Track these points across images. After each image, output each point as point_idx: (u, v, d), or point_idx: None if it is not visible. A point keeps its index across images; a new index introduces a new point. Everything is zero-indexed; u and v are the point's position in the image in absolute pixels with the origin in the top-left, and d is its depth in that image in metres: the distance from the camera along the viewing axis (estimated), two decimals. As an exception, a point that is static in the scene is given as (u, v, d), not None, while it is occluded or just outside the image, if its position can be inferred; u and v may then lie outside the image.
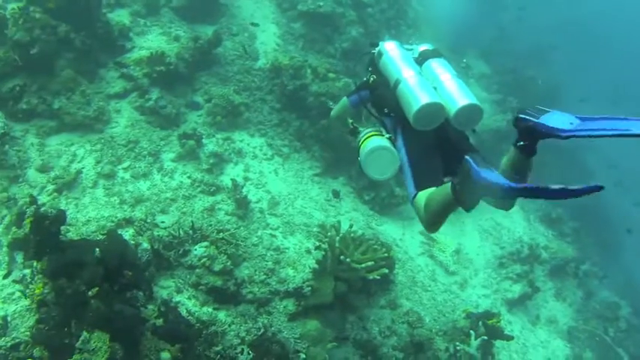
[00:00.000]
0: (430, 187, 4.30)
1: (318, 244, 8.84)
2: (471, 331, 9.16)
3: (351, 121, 6.14)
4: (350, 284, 8.66)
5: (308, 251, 9.15)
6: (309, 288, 8.22)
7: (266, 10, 14.14)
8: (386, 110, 5.20)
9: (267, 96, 11.78)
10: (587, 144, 22.84)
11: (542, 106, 3.58)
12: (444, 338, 9.42)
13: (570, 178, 19.51)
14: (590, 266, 15.64)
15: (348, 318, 8.90)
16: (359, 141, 5.32)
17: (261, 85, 11.89)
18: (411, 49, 5.41)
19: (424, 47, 5.36)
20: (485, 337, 9.10)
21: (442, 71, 4.91)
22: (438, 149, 4.69)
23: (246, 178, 10.23)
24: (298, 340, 7.96)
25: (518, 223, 14.68)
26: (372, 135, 5.19)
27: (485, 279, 12.14)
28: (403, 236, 11.41)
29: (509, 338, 9.73)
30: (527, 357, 11.37)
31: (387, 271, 8.66)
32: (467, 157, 3.51)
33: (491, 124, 16.21)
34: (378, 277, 8.49)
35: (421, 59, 5.16)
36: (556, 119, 3.41)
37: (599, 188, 2.85)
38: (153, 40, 11.56)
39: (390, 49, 5.24)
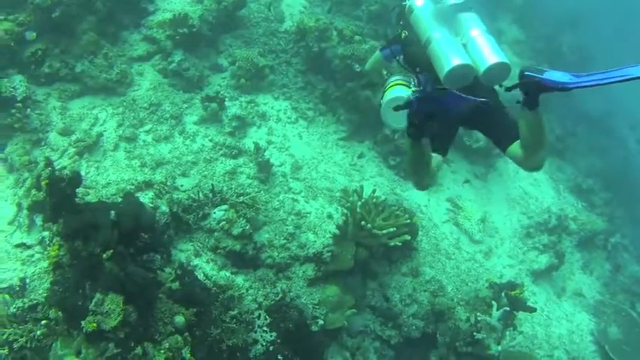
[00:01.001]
0: (435, 149, 4.88)
1: (340, 209, 8.76)
2: (493, 302, 9.04)
3: (385, 72, 6.40)
4: (371, 250, 8.59)
5: (330, 216, 9.07)
6: (329, 253, 8.14)
7: (293, -28, 13.89)
8: (418, 69, 5.28)
9: (293, 59, 11.58)
10: (614, 111, 22.42)
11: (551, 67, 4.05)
12: (466, 308, 9.30)
13: (600, 148, 19.24)
14: (621, 239, 15.36)
15: (368, 285, 8.88)
16: (385, 87, 5.41)
17: (286, 48, 11.69)
18: (441, 2, 5.24)
19: (461, 1, 5.22)
20: (507, 309, 8.96)
21: (472, 26, 4.89)
22: (462, 107, 4.90)
23: (269, 142, 10.10)
24: (317, 306, 7.93)
25: (546, 193, 14.38)
26: (397, 84, 5.29)
27: (511, 249, 11.90)
28: (428, 203, 11.23)
29: (532, 310, 9.54)
30: (551, 329, 11.21)
31: (408, 237, 8.50)
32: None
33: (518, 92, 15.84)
34: (400, 244, 8.39)
35: (451, 13, 5.08)
36: (557, 75, 3.87)
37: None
38: (176, 3, 11.36)
39: (420, 4, 5.15)
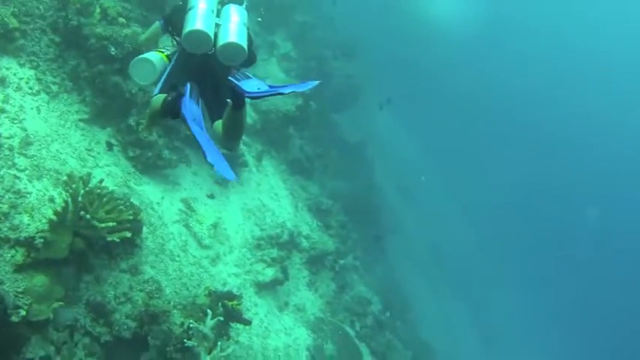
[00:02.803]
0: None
1: (64, 193, 8.29)
2: (209, 310, 8.97)
3: (161, 47, 6.58)
4: (91, 242, 8.21)
5: (51, 200, 8.48)
6: (42, 240, 7.61)
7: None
8: (170, 29, 6.23)
9: (49, 28, 10.81)
10: (368, 142, 23.70)
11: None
12: (182, 313, 9.16)
13: (349, 173, 20.16)
14: (352, 260, 16.06)
15: (83, 277, 8.43)
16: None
17: (45, 15, 10.83)
18: None
19: None
20: (222, 319, 8.93)
21: (233, 14, 5.66)
22: (197, 72, 5.65)
23: (2, 110, 9.25)
24: (21, 295, 7.36)
25: (284, 208, 14.67)
26: (157, 51, 6.04)
27: (239, 258, 11.98)
28: (162, 200, 10.98)
29: (247, 322, 9.63)
30: (268, 341, 11.38)
31: (129, 234, 8.22)
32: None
33: (282, 106, 16.20)
34: (117, 240, 8.07)
35: (226, 2, 5.89)
36: (251, 84, 4.78)
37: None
38: None
39: None
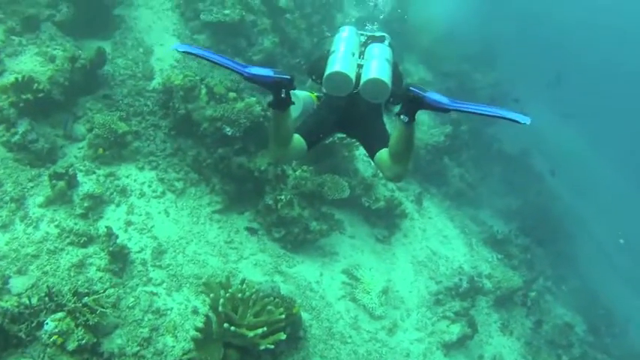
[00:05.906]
0: (303, 135, 5.22)
1: (208, 301, 7.43)
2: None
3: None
4: (245, 349, 7.21)
5: (195, 311, 7.67)
6: (191, 360, 6.75)
7: (167, 22, 12.48)
8: (313, 77, 5.81)
9: (162, 121, 10.20)
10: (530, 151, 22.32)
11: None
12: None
13: (517, 186, 18.83)
14: (543, 282, 14.67)
15: (248, 385, 7.47)
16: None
17: (154, 109, 10.31)
18: (363, 35, 5.97)
19: (379, 34, 5.97)
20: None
21: (375, 52, 5.38)
22: (344, 113, 5.51)
23: (128, 223, 8.62)
24: None
25: (458, 250, 13.30)
26: (308, 91, 6.02)
27: (418, 320, 10.72)
28: (321, 277, 9.97)
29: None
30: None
31: (283, 337, 7.10)
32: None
33: (428, 139, 15.01)
34: (271, 347, 7.00)
35: (369, 42, 5.68)
36: (437, 96, 4.23)
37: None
38: (26, 62, 9.88)
39: (344, 30, 5.76)
